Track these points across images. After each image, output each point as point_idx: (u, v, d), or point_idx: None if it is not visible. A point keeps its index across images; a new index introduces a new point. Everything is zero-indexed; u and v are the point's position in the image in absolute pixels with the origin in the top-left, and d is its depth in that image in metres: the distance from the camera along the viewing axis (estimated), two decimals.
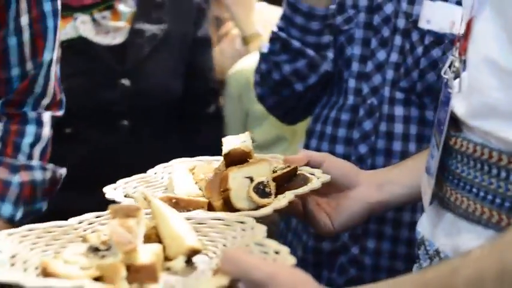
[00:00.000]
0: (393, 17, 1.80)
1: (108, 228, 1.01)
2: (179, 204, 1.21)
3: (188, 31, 2.23)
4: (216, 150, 1.39)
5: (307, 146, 1.90)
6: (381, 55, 1.82)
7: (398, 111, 1.81)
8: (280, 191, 1.26)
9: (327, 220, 1.38)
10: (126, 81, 2.10)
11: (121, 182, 1.35)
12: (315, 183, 1.27)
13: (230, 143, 1.32)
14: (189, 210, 1.20)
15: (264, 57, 1.93)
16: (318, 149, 1.85)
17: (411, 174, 1.38)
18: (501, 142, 1.03)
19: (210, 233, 1.12)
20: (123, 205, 1.06)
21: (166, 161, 1.44)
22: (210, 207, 1.24)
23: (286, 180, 1.30)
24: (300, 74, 1.87)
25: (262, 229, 1.05)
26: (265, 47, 1.93)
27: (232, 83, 2.59)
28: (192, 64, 2.24)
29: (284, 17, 1.88)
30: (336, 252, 1.82)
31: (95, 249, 0.98)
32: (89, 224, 1.14)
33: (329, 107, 1.89)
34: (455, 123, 1.12)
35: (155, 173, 1.42)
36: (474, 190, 1.06)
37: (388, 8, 1.81)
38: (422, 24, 1.78)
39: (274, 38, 1.90)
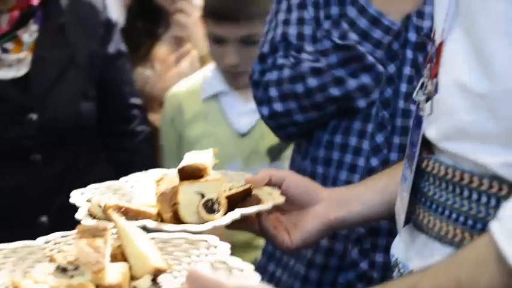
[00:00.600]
0: (403, 31, 1.76)
1: (76, 248, 1.02)
2: (128, 214, 1.22)
3: (96, 50, 2.14)
4: (149, 166, 1.41)
5: (315, 157, 1.84)
6: (391, 68, 1.78)
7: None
8: (233, 209, 1.28)
9: (286, 236, 1.39)
10: (33, 115, 2.00)
11: (90, 187, 1.38)
12: (265, 204, 1.31)
13: (189, 158, 1.35)
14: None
15: (315, 71, 1.76)
16: (327, 159, 1.82)
17: (373, 193, 1.40)
18: (472, 164, 1.04)
19: (175, 252, 1.13)
20: (90, 225, 1.08)
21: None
22: (161, 219, 1.26)
23: (240, 199, 1.32)
24: (367, 89, 1.76)
25: (226, 247, 1.08)
26: (308, 61, 1.78)
27: (167, 106, 2.55)
28: (105, 82, 2.16)
29: (345, 21, 1.76)
30: (344, 268, 1.79)
31: (63, 269, 0.99)
32: (55, 243, 1.14)
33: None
34: (428, 145, 1.13)
35: (126, 181, 1.44)
36: (446, 212, 1.07)
37: (386, 20, 1.75)
38: None
39: (332, 49, 1.76)
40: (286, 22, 1.88)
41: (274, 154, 2.36)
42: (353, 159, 1.79)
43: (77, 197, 1.32)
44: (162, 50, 2.74)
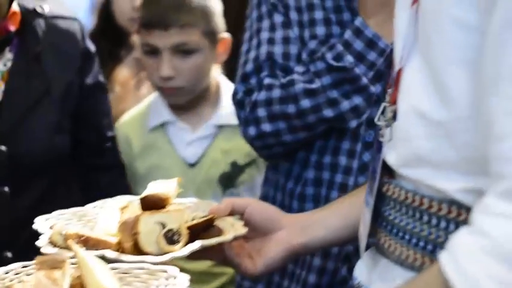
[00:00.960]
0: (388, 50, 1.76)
1: (34, 280, 1.02)
2: (88, 243, 1.22)
3: (73, 80, 2.04)
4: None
5: (299, 175, 1.84)
6: (377, 88, 1.78)
7: None
8: (194, 239, 1.28)
9: (249, 263, 1.39)
10: (1, 147, 1.91)
11: (56, 213, 1.37)
12: (226, 236, 1.31)
13: (153, 187, 1.35)
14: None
15: (309, 93, 1.76)
16: (317, 179, 1.81)
17: (337, 217, 1.40)
18: (431, 189, 1.05)
19: (134, 283, 1.13)
20: (49, 256, 1.07)
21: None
22: (122, 249, 1.25)
23: (202, 229, 1.32)
24: (359, 110, 1.76)
25: (185, 278, 1.08)
26: (301, 81, 1.77)
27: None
28: (81, 114, 2.06)
29: (340, 43, 1.75)
30: (335, 286, 1.79)
31: None
32: (16, 274, 1.13)
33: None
34: (389, 170, 1.13)
35: (94, 207, 1.43)
36: (407, 237, 1.08)
37: (382, 42, 1.76)
38: None
39: (326, 71, 1.75)
40: (271, 41, 1.87)
41: (226, 182, 2.26)
42: (344, 179, 1.79)
43: (41, 223, 1.31)
44: (123, 73, 2.68)
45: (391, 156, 1.11)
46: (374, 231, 1.17)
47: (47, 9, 1.99)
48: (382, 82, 1.77)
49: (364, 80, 1.74)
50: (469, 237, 0.90)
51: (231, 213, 1.40)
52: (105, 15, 2.74)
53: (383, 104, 1.16)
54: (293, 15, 1.86)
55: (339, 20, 1.82)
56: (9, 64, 1.95)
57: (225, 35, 2.27)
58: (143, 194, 1.31)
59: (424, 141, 1.04)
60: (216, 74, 2.32)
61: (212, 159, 2.24)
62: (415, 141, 1.05)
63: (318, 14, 1.84)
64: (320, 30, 1.83)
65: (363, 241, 1.21)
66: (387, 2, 1.67)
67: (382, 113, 1.15)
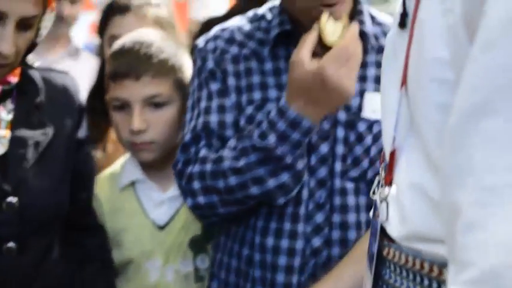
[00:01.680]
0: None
1: None
2: None
3: (71, 134, 2.00)
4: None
5: (252, 242, 1.87)
6: (324, 148, 1.83)
7: (351, 201, 1.84)
8: None
9: None
10: (13, 199, 1.84)
11: None
12: None
13: None
14: None
15: (235, 171, 1.79)
16: (262, 245, 1.85)
17: (347, 283, 1.43)
18: (432, 255, 1.06)
19: None
20: None
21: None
22: None
23: None
24: (286, 187, 1.79)
25: None
26: (229, 158, 1.80)
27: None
28: (77, 170, 2.01)
29: (266, 121, 1.78)
30: None
31: None
32: None
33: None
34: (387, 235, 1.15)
35: None
36: None
37: (306, 122, 1.76)
38: (368, 114, 1.82)
39: (251, 149, 1.77)
40: (207, 110, 1.90)
41: (198, 246, 2.16)
42: (290, 243, 1.82)
43: None
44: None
45: (391, 229, 1.13)
46: None
47: (37, 62, 1.98)
48: (328, 141, 1.82)
49: (288, 160, 1.75)
50: None
51: None
52: (101, 74, 2.74)
53: (377, 177, 1.18)
54: (231, 81, 1.90)
55: (278, 84, 1.86)
56: (11, 114, 1.92)
57: None
58: None
59: (423, 220, 1.06)
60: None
61: (183, 221, 2.15)
62: (416, 219, 1.07)
63: (255, 79, 1.89)
64: (257, 95, 1.87)
65: None
66: (308, 89, 1.70)
67: (377, 185, 1.18)
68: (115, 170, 2.29)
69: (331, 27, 1.73)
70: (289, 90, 1.74)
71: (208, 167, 1.82)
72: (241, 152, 1.78)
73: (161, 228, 2.16)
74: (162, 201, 2.18)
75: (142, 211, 2.18)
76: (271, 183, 1.77)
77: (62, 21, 3.79)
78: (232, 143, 1.82)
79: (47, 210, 1.90)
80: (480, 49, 0.91)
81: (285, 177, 1.76)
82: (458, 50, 0.98)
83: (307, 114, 1.73)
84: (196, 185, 1.84)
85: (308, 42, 1.71)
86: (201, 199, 1.84)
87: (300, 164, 1.77)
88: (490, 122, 0.89)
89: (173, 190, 2.15)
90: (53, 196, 1.92)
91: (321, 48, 1.73)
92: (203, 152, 1.85)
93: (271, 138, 1.74)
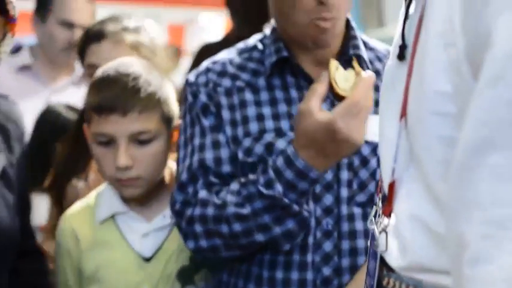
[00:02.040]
0: None
1: None
2: None
3: (21, 162, 1.97)
4: None
5: (260, 277, 1.85)
6: (328, 175, 1.82)
7: (359, 226, 1.82)
8: None
9: None
10: None
11: None
12: None
13: None
14: None
15: (239, 217, 1.77)
16: (271, 278, 1.83)
17: None
18: (433, 285, 1.05)
19: None
20: None
21: None
22: None
23: None
24: (292, 234, 1.79)
25: None
26: (233, 204, 1.78)
27: (60, 235, 2.17)
28: (22, 196, 1.98)
29: (273, 170, 1.76)
30: None
31: None
32: None
33: None
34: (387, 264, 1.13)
35: None
36: None
37: (313, 173, 1.74)
38: (371, 137, 1.79)
39: (257, 196, 1.77)
40: (202, 147, 1.88)
41: (186, 277, 2.10)
42: (300, 275, 1.81)
43: None
44: None
45: (390, 259, 1.12)
46: None
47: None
48: (332, 168, 1.79)
49: (295, 208, 1.75)
50: None
51: None
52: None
53: (374, 208, 1.18)
54: (225, 114, 1.88)
55: (275, 114, 1.85)
56: None
57: (180, 122, 2.11)
58: None
59: (426, 250, 1.06)
60: (170, 162, 2.17)
61: (170, 251, 2.08)
62: (417, 250, 1.07)
63: (251, 111, 1.87)
64: (253, 126, 1.85)
65: None
66: (317, 140, 1.69)
67: (374, 215, 1.18)
68: (89, 203, 2.19)
69: (341, 75, 1.70)
70: (297, 139, 1.73)
71: (211, 211, 1.81)
72: (246, 199, 1.77)
73: (147, 260, 2.10)
74: (147, 232, 2.11)
75: (126, 244, 2.11)
76: (277, 230, 1.77)
77: (73, 49, 3.73)
78: (235, 187, 1.80)
79: (5, 241, 1.86)
80: (486, 84, 0.92)
81: (290, 224, 1.76)
82: (461, 84, 0.99)
83: (315, 164, 1.72)
84: (198, 228, 1.83)
85: (319, 91, 1.69)
86: (204, 243, 1.83)
87: (306, 211, 1.77)
88: (497, 156, 0.89)
89: (158, 220, 2.10)
90: (10, 225, 1.88)
91: (332, 95, 1.72)
92: (203, 194, 1.83)
93: (278, 187, 1.74)
